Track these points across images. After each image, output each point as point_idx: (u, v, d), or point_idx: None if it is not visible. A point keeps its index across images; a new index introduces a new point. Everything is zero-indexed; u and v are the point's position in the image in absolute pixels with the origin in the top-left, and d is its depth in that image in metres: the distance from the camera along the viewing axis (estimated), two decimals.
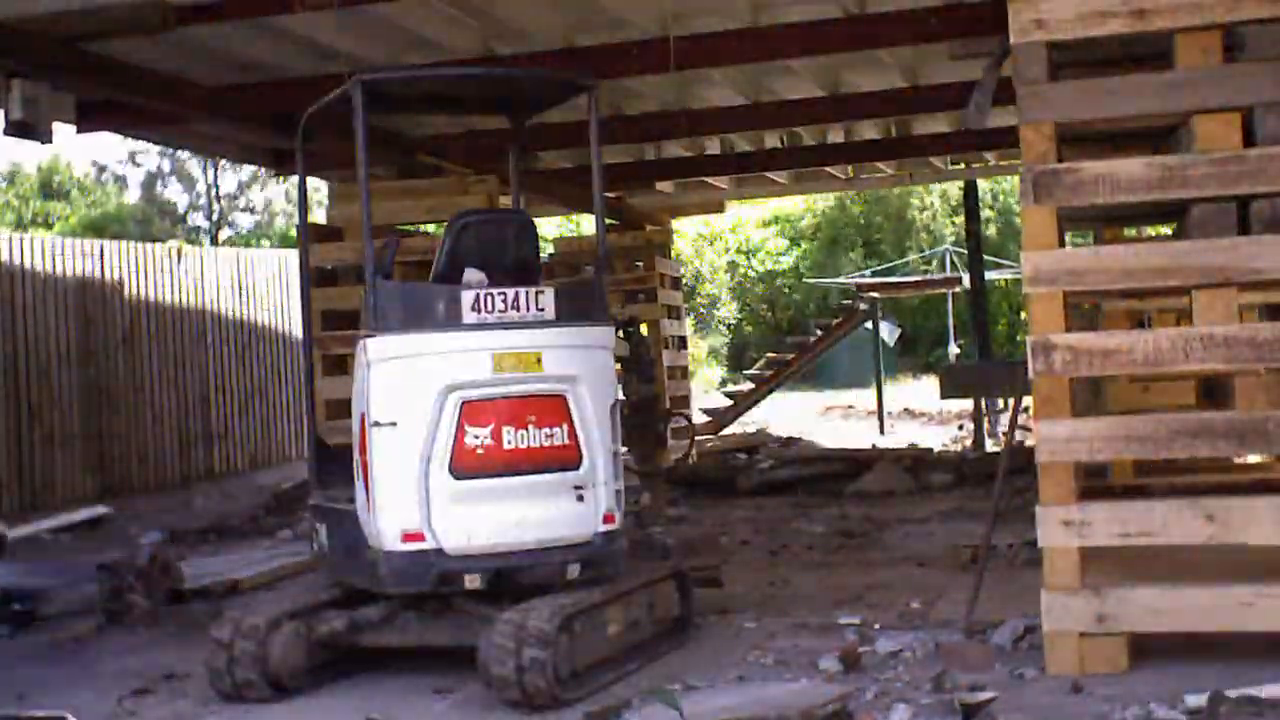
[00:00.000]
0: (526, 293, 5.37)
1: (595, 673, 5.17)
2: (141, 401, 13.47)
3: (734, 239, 32.39)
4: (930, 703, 4.58)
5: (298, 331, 12.15)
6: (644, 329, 8.97)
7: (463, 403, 5.23)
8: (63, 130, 7.87)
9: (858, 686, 4.83)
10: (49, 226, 33.40)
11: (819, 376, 27.20)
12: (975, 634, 5.44)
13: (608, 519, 5.45)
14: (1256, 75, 4.79)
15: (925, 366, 29.57)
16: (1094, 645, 4.83)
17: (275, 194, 37.46)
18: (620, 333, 8.67)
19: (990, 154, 13.67)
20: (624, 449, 5.86)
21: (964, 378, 9.16)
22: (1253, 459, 6.80)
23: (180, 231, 35.63)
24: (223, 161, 32.62)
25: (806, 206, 33.42)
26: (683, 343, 14.86)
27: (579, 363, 5.44)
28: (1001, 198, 31.14)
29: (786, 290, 33.50)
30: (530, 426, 5.29)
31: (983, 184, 24.43)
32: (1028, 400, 5.14)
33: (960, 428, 17.32)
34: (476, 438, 5.23)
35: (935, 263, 30.85)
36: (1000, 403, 15.90)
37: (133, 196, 38.69)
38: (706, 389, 26.64)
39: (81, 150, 54.36)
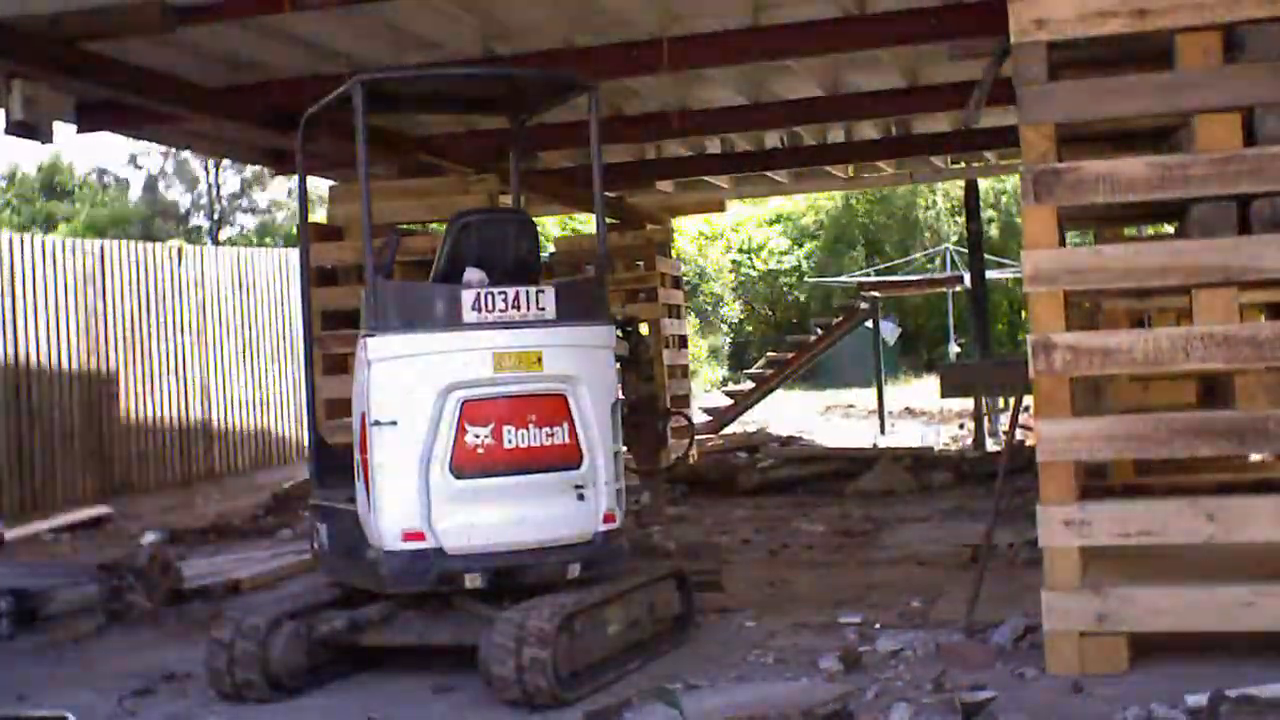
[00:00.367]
0: (527, 292, 5.36)
1: (595, 672, 5.16)
2: (142, 401, 13.48)
3: (736, 238, 32.39)
4: (931, 702, 4.58)
5: (299, 331, 12.15)
6: (644, 328, 9.15)
7: (463, 402, 5.22)
8: (63, 130, 7.88)
9: (858, 686, 4.83)
10: (51, 227, 33.41)
11: (819, 376, 27.20)
12: (976, 633, 5.44)
13: (608, 518, 5.44)
14: (1256, 75, 4.79)
15: (926, 365, 29.58)
16: (1094, 645, 4.83)
17: (278, 194, 37.49)
18: (620, 332, 8.64)
19: (991, 153, 13.67)
20: (624, 449, 5.85)
21: (964, 377, 9.16)
22: (1254, 458, 6.80)
23: (181, 231, 35.64)
24: (224, 161, 32.64)
25: (809, 205, 33.43)
26: (683, 342, 14.86)
27: (580, 362, 5.42)
28: (1005, 199, 31.14)
29: (789, 289, 33.50)
30: (531, 426, 5.29)
31: (985, 183, 24.44)
32: (1028, 399, 5.14)
33: (961, 427, 17.32)
34: (477, 437, 5.22)
35: (937, 261, 30.85)
36: (1000, 402, 15.90)
37: (134, 197, 38.71)
38: (707, 388, 26.64)
39: (83, 151, 54.35)
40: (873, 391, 19.73)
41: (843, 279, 28.66)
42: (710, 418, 17.08)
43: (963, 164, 14.40)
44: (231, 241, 34.86)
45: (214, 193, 37.45)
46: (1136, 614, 4.81)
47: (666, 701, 4.54)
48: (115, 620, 6.90)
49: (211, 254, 15.62)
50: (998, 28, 5.28)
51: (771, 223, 33.59)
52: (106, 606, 6.95)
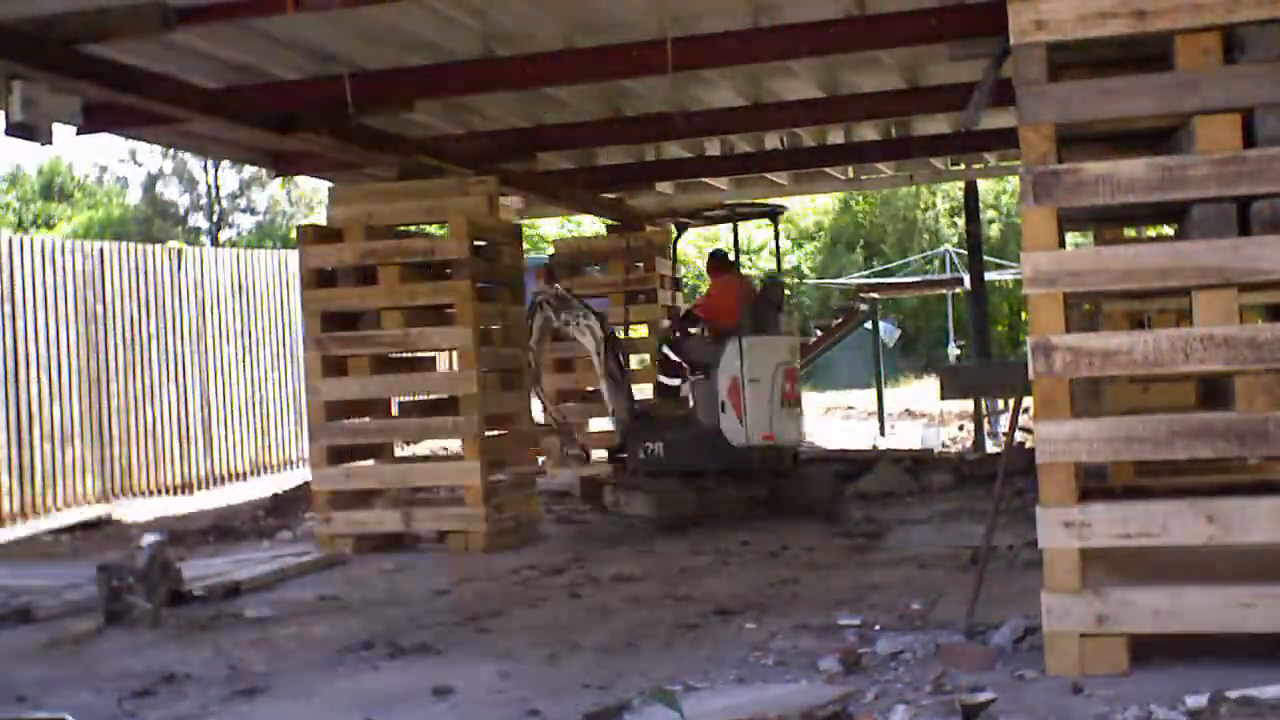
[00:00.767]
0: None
1: None
2: (142, 402, 13.48)
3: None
4: (930, 704, 4.57)
5: (298, 332, 12.15)
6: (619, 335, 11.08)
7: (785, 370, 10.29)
8: (63, 131, 7.86)
9: (858, 687, 4.83)
10: (50, 228, 33.41)
11: (819, 377, 27.20)
12: (976, 635, 5.44)
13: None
14: (1256, 76, 4.79)
15: (926, 367, 29.58)
16: (1094, 646, 4.83)
17: (277, 195, 37.48)
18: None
19: (990, 155, 13.67)
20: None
21: (964, 378, 9.16)
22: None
23: (181, 232, 35.64)
24: (223, 162, 32.63)
25: (808, 207, 33.41)
26: None
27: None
28: (1005, 200, 31.14)
29: (789, 291, 33.48)
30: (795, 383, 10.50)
31: (985, 184, 24.43)
32: (1028, 401, 5.14)
33: (960, 428, 17.32)
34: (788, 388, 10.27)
35: (937, 263, 30.85)
36: (1000, 403, 15.91)
37: (134, 198, 38.71)
38: None
39: (83, 152, 54.36)
40: (872, 393, 19.73)
41: (842, 281, 28.66)
42: None
43: (963, 165, 14.40)
44: (231, 243, 34.86)
45: (213, 194, 37.45)
46: (1136, 615, 4.81)
47: (666, 702, 4.54)
48: (115, 620, 6.90)
49: (211, 255, 15.62)
50: (998, 28, 5.28)
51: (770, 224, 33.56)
52: (106, 606, 6.95)
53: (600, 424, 12.75)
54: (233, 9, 6.91)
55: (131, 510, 12.50)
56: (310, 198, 36.08)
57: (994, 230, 29.98)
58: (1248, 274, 4.76)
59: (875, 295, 20.44)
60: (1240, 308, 4.87)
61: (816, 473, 11.01)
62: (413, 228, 10.30)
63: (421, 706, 5.05)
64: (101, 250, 13.40)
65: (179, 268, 14.30)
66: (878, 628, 5.87)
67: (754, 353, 10.09)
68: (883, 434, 17.56)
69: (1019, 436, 9.98)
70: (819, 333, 19.27)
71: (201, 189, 37.79)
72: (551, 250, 14.95)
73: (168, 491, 13.58)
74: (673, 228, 11.67)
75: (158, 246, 15.19)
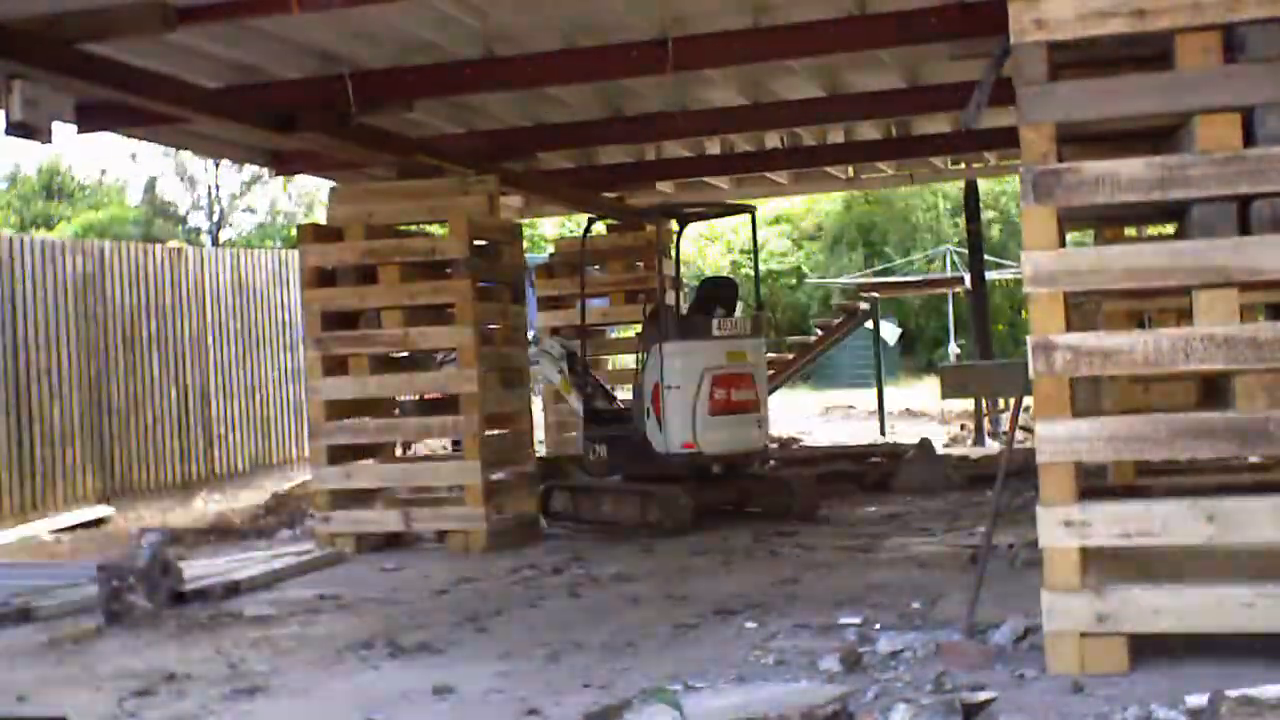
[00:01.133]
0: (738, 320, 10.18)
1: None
2: (142, 402, 13.48)
3: (736, 239, 32.35)
4: (931, 703, 4.57)
5: (299, 332, 12.15)
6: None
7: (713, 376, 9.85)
8: (63, 131, 7.87)
9: (858, 687, 4.83)
10: (50, 228, 33.41)
11: (820, 377, 27.19)
12: (976, 634, 5.43)
13: (766, 438, 10.59)
14: (1257, 75, 4.78)
15: (926, 366, 29.58)
16: (1095, 645, 4.83)
17: (277, 195, 37.47)
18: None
19: (991, 154, 13.66)
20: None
21: (965, 378, 9.15)
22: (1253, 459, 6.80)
23: (181, 232, 35.62)
24: (223, 162, 32.62)
25: (807, 206, 33.40)
26: None
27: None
28: (1003, 199, 31.13)
29: (790, 290, 33.48)
30: (740, 389, 10.04)
31: (985, 184, 24.42)
32: (1028, 400, 5.14)
33: (961, 428, 17.32)
34: (719, 394, 9.88)
35: (937, 262, 30.85)
36: (1001, 403, 15.90)
37: (134, 198, 38.71)
38: None
39: (83, 152, 54.30)
40: (873, 392, 19.73)
41: (843, 280, 28.65)
42: None
43: (963, 165, 14.40)
44: (231, 243, 34.86)
45: (213, 193, 37.43)
46: (1137, 614, 4.81)
47: (666, 702, 4.54)
48: (115, 620, 6.90)
49: (211, 255, 15.62)
50: (998, 28, 5.28)
51: (771, 224, 33.58)
52: (107, 606, 6.95)
53: None
54: (233, 9, 6.91)
55: (131, 510, 12.50)
56: (310, 198, 36.09)
57: (995, 231, 29.97)
58: (1248, 274, 4.75)
59: (876, 294, 20.42)
60: (1241, 307, 4.87)
61: (793, 476, 10.78)
62: (413, 227, 10.30)
63: (421, 706, 5.05)
64: (101, 250, 13.40)
65: (179, 267, 14.29)
66: (878, 627, 5.87)
67: (674, 359, 9.79)
68: (883, 433, 17.55)
69: (1020, 436, 9.96)
70: (819, 332, 19.27)
71: (201, 189, 37.77)
72: (551, 249, 14.94)
73: (168, 491, 13.57)
74: (673, 224, 11.59)
75: (158, 246, 15.19)
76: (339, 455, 9.48)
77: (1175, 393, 6.65)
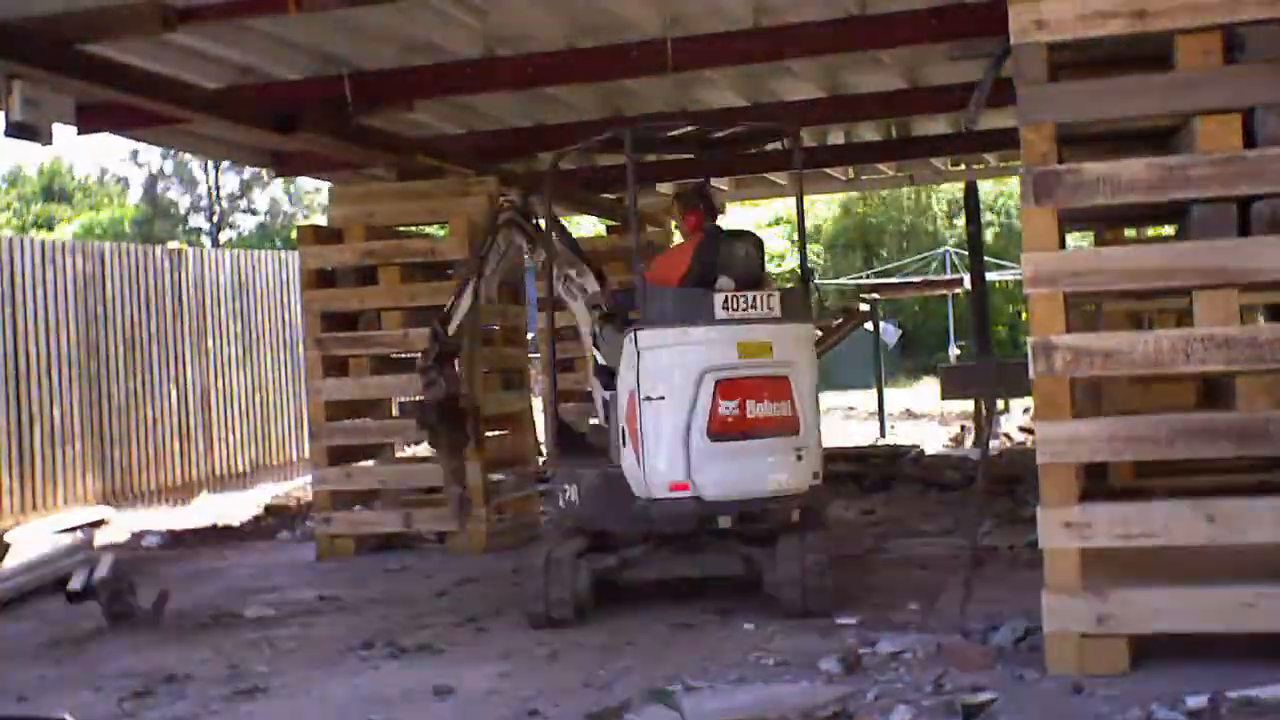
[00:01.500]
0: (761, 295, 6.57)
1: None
2: (142, 402, 13.47)
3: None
4: (931, 704, 4.57)
5: (299, 333, 12.15)
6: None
7: (716, 382, 6.31)
8: (63, 132, 7.86)
9: (858, 687, 4.83)
10: (50, 228, 33.42)
11: (819, 378, 27.13)
12: (976, 635, 5.43)
13: (816, 476, 6.61)
14: (1256, 76, 4.78)
15: (926, 368, 29.58)
16: (1095, 646, 4.83)
17: (277, 196, 37.51)
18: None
19: (991, 155, 13.66)
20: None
21: (965, 378, 9.15)
22: None
23: (181, 233, 35.65)
24: (224, 162, 32.64)
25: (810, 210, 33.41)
26: None
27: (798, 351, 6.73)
28: (1001, 200, 31.13)
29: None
30: (763, 399, 6.44)
31: (984, 185, 24.44)
32: (1000, 405, 5.15)
33: (961, 428, 17.31)
34: (727, 409, 6.34)
35: (936, 264, 30.86)
36: (1001, 403, 15.89)
37: (134, 198, 38.72)
38: None
39: (83, 152, 54.38)
40: (873, 394, 19.72)
41: (842, 281, 28.65)
42: None
43: (963, 166, 14.39)
44: (231, 244, 34.86)
45: (213, 194, 37.45)
46: (1137, 615, 4.81)
47: (666, 703, 4.54)
48: (115, 621, 6.90)
49: (211, 256, 15.61)
50: (998, 28, 5.28)
51: (771, 225, 33.59)
52: (107, 607, 6.94)
53: None
54: (233, 9, 6.90)
55: (131, 510, 12.50)
56: (311, 198, 36.11)
57: (990, 235, 29.98)
58: (1248, 274, 4.75)
59: (875, 295, 20.42)
60: (1241, 308, 4.86)
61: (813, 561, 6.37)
62: (413, 228, 10.29)
63: (421, 706, 5.05)
64: (101, 250, 13.39)
65: (179, 268, 14.28)
66: (878, 628, 5.87)
67: (655, 355, 6.39)
68: (883, 434, 17.55)
69: (1020, 438, 9.96)
70: (819, 333, 19.27)
71: (202, 189, 37.78)
72: None
73: (168, 491, 13.57)
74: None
75: (158, 247, 15.17)
76: (339, 456, 9.48)
77: (1176, 393, 6.65)
